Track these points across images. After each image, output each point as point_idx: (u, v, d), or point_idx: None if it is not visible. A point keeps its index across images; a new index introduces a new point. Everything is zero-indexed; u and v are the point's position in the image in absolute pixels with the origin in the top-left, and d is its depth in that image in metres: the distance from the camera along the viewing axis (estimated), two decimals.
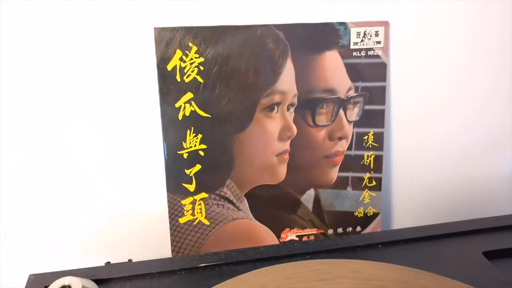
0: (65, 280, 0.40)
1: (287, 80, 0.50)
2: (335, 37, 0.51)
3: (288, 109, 0.51)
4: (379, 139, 0.54)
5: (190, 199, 0.50)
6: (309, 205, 0.54)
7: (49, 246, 0.52)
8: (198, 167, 0.50)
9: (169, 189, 0.50)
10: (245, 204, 0.52)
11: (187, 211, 0.50)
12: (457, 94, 0.57)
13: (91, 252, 0.52)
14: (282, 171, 0.52)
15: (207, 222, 0.51)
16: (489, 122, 0.59)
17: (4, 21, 0.45)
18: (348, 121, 0.53)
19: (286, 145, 0.52)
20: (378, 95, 0.53)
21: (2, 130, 0.48)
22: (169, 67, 0.47)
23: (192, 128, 0.49)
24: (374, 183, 0.55)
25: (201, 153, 0.49)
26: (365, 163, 0.54)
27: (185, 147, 0.49)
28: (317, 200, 0.54)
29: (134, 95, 0.49)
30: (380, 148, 0.54)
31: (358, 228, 0.56)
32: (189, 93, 0.48)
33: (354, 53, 0.51)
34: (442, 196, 0.62)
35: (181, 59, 0.47)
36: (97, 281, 0.42)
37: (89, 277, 0.42)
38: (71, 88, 0.48)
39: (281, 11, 0.49)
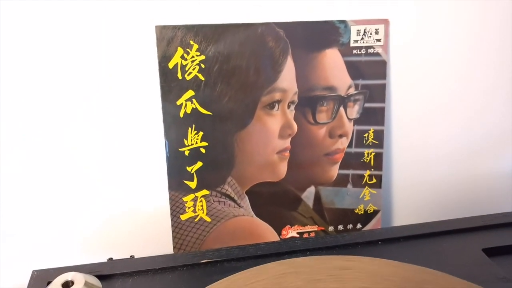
0: (68, 276, 0.40)
1: (287, 78, 0.50)
2: (335, 35, 0.51)
3: (288, 106, 0.51)
4: (379, 136, 0.54)
5: (192, 196, 0.50)
6: (310, 202, 0.54)
7: (51, 243, 0.52)
8: (199, 164, 0.50)
9: (170, 186, 0.50)
10: (246, 201, 0.52)
11: (189, 208, 0.51)
12: (457, 92, 0.57)
13: (94, 249, 0.52)
14: (282, 169, 0.52)
15: (208, 219, 0.51)
16: (489, 121, 0.60)
17: (4, 21, 0.45)
18: (348, 118, 0.53)
19: (287, 143, 0.52)
20: (378, 93, 0.53)
21: (2, 130, 0.48)
22: (171, 65, 0.47)
23: (194, 125, 0.49)
24: (374, 180, 0.55)
25: (202, 150, 0.50)
26: (365, 160, 0.55)
27: (187, 144, 0.49)
28: (317, 198, 0.54)
29: (136, 93, 0.49)
30: (380, 145, 0.55)
31: (359, 225, 0.56)
32: (190, 91, 0.48)
33: (354, 51, 0.52)
34: (442, 194, 0.62)
35: (182, 57, 0.47)
36: (99, 277, 0.42)
37: (92, 273, 0.42)
38: (71, 87, 0.48)
39: (282, 9, 0.49)
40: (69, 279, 0.40)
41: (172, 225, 0.51)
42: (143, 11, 0.46)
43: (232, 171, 0.51)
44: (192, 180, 0.50)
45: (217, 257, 0.46)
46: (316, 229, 0.55)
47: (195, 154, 0.50)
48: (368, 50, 0.52)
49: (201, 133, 0.49)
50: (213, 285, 0.38)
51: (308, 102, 0.51)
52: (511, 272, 0.45)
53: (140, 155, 0.51)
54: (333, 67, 0.51)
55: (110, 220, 0.53)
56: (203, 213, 0.51)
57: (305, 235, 0.54)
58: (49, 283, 0.41)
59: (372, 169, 0.55)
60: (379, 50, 0.52)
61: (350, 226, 0.56)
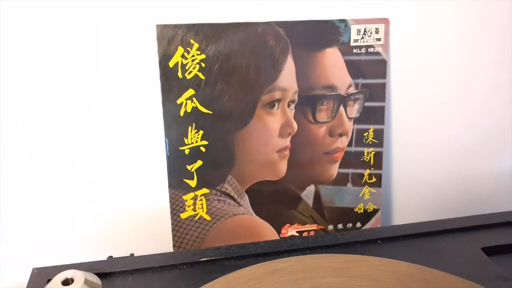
0: (68, 274, 0.40)
1: (287, 77, 0.50)
2: (335, 34, 0.51)
3: (288, 105, 0.51)
4: (379, 135, 0.54)
5: (192, 194, 0.51)
6: (310, 201, 0.54)
7: (52, 242, 0.52)
8: (199, 163, 0.50)
9: (170, 185, 0.50)
10: (246, 200, 0.52)
11: (189, 206, 0.51)
12: (457, 92, 0.57)
13: (94, 247, 0.53)
14: (282, 167, 0.53)
15: (208, 218, 0.52)
16: (488, 120, 0.60)
17: (4, 21, 0.45)
18: (348, 117, 0.53)
19: (287, 142, 0.52)
20: (378, 92, 0.53)
21: (2, 130, 0.48)
22: (171, 64, 0.47)
23: (194, 124, 0.49)
24: (374, 179, 0.55)
25: (203, 149, 0.50)
26: (365, 159, 0.55)
27: (187, 143, 0.50)
28: (317, 196, 0.54)
29: (136, 92, 0.49)
30: (380, 144, 0.55)
31: (358, 224, 0.56)
32: (190, 89, 0.48)
33: (354, 50, 0.52)
34: (442, 193, 0.62)
35: (182, 56, 0.47)
36: (99, 275, 0.42)
37: (92, 271, 0.42)
38: (71, 86, 0.48)
39: (282, 8, 0.49)
40: (69, 277, 0.40)
41: (172, 224, 0.51)
42: (144, 10, 0.47)
43: (232, 169, 0.51)
44: (192, 179, 0.50)
45: (216, 256, 0.47)
46: (315, 228, 0.55)
47: (195, 152, 0.50)
48: (368, 49, 0.52)
49: (201, 132, 0.50)
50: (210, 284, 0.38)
51: (308, 101, 0.51)
52: (509, 271, 0.45)
53: (140, 153, 0.51)
54: (333, 66, 0.52)
55: (110, 218, 0.53)
56: (203, 211, 0.51)
57: (305, 234, 0.54)
58: (49, 280, 0.41)
59: (372, 168, 0.55)
60: (379, 49, 0.52)
61: (350, 225, 0.56)
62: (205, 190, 0.51)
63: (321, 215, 0.55)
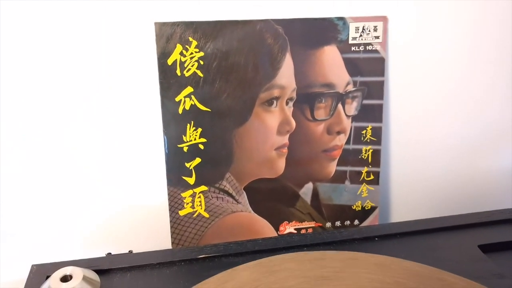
0: (67, 270, 0.40)
1: (286, 75, 0.50)
2: (333, 32, 0.51)
3: (287, 103, 0.51)
4: (377, 133, 0.55)
5: (190, 192, 0.51)
6: (308, 199, 0.54)
7: (51, 239, 0.53)
8: (198, 160, 0.50)
9: (169, 182, 0.50)
10: (244, 197, 0.52)
11: (187, 203, 0.51)
12: (455, 89, 0.58)
13: (93, 245, 0.53)
14: (281, 165, 0.53)
15: (206, 215, 0.52)
16: (487, 118, 0.60)
17: (4, 21, 0.45)
18: (346, 115, 0.53)
19: (285, 139, 0.52)
20: (377, 90, 0.53)
21: (2, 130, 0.48)
22: (170, 61, 0.47)
23: (192, 122, 0.49)
24: (372, 177, 0.56)
25: (201, 146, 0.50)
26: (363, 157, 0.55)
27: (185, 140, 0.50)
28: (315, 194, 0.55)
29: (135, 90, 0.50)
30: (378, 142, 0.55)
31: (356, 222, 0.56)
32: (189, 87, 0.48)
33: (353, 48, 0.52)
34: (440, 191, 0.62)
35: (181, 53, 0.47)
36: (98, 272, 0.43)
37: (90, 268, 0.43)
38: (70, 85, 0.48)
39: (280, 6, 0.49)
40: (68, 274, 0.40)
41: (170, 221, 0.51)
42: (142, 8, 0.47)
43: (230, 167, 0.51)
44: (191, 176, 0.50)
45: (214, 252, 0.47)
46: (313, 225, 0.55)
47: (194, 150, 0.50)
48: (367, 47, 0.52)
49: (199, 130, 0.50)
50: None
51: (307, 98, 0.52)
52: (506, 269, 0.45)
53: (139, 151, 0.52)
54: (331, 64, 0.52)
55: (109, 216, 0.53)
56: (201, 208, 0.51)
57: (303, 231, 0.55)
58: (48, 277, 0.41)
59: (370, 166, 0.55)
60: (378, 47, 0.52)
61: (348, 222, 0.56)
62: (203, 188, 0.51)
63: (319, 212, 0.55)
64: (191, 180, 0.51)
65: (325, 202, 0.55)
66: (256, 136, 0.51)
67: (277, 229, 0.54)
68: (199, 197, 0.51)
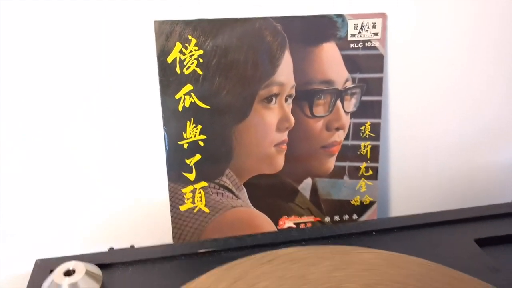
0: (70, 265, 0.41)
1: (285, 72, 0.51)
2: (332, 29, 0.51)
3: (286, 100, 0.52)
4: (376, 129, 0.55)
5: (191, 187, 0.51)
6: (307, 194, 0.55)
7: (54, 236, 0.53)
8: (198, 157, 0.51)
9: (170, 178, 0.51)
10: (244, 193, 0.53)
11: (188, 199, 0.52)
12: (454, 86, 0.58)
13: (96, 240, 0.53)
14: (280, 161, 0.53)
15: (207, 210, 0.53)
16: (486, 115, 0.60)
17: (4, 21, 0.45)
18: (345, 112, 0.54)
19: (284, 136, 0.53)
20: (375, 86, 0.54)
21: (2, 130, 0.49)
22: (169, 59, 0.48)
23: (192, 119, 0.50)
24: (370, 172, 0.56)
25: (201, 143, 0.51)
26: (362, 153, 0.55)
27: (185, 137, 0.50)
28: (314, 189, 0.55)
29: (135, 88, 0.50)
30: (377, 138, 0.55)
31: (355, 216, 0.57)
32: (188, 85, 0.49)
33: (352, 45, 0.52)
34: (439, 186, 0.63)
35: (180, 51, 0.48)
36: (100, 266, 0.44)
37: (93, 262, 0.44)
38: (70, 84, 0.49)
39: (279, 4, 0.50)
40: (71, 268, 0.41)
41: (171, 216, 0.52)
42: (142, 6, 0.47)
43: (230, 163, 0.52)
44: (191, 172, 0.51)
45: (214, 247, 0.48)
46: (312, 220, 0.56)
47: (194, 147, 0.51)
48: (366, 44, 0.52)
49: (199, 127, 0.50)
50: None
51: (306, 95, 0.52)
52: (501, 263, 0.46)
53: (140, 149, 0.52)
54: (330, 61, 0.52)
55: (111, 211, 0.54)
56: (201, 204, 0.52)
57: (302, 226, 0.55)
58: (51, 271, 0.42)
59: (369, 161, 0.56)
60: (377, 44, 0.53)
61: (346, 216, 0.57)
62: (203, 184, 0.52)
63: (317, 207, 0.56)
64: (191, 176, 0.51)
65: (324, 197, 0.56)
66: (256, 132, 0.52)
67: (276, 224, 0.55)
68: (200, 192, 0.52)
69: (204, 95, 0.49)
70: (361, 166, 0.56)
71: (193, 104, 0.49)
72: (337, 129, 0.54)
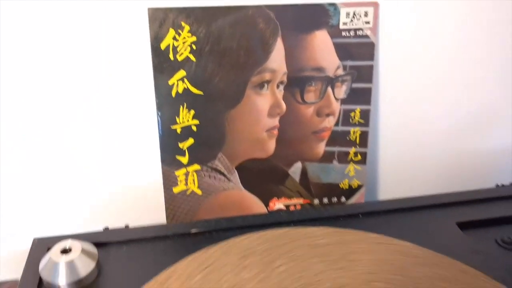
0: (67, 243, 0.43)
1: (277, 59, 0.52)
2: (325, 17, 0.52)
3: (278, 87, 0.53)
4: (366, 115, 0.56)
5: (184, 170, 0.53)
6: (297, 177, 0.57)
7: (52, 216, 0.55)
8: (191, 141, 0.52)
9: (163, 161, 0.52)
10: (236, 176, 0.55)
11: (181, 181, 0.53)
12: (445, 72, 0.59)
13: (93, 220, 0.55)
14: (271, 146, 0.55)
15: (199, 192, 0.54)
16: (476, 100, 0.61)
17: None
18: (336, 98, 0.55)
19: (276, 121, 0.54)
20: (366, 74, 0.55)
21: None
22: (163, 46, 0.49)
23: (185, 104, 0.51)
24: (359, 157, 0.58)
25: (194, 128, 0.52)
26: (351, 138, 0.57)
27: (179, 122, 0.51)
28: (304, 173, 0.57)
29: (129, 74, 0.51)
30: (366, 124, 0.57)
31: (343, 199, 0.59)
32: (182, 71, 0.50)
33: (344, 33, 0.53)
34: (428, 170, 0.64)
35: (174, 38, 0.49)
36: (96, 245, 0.45)
37: (89, 241, 0.45)
38: (66, 73, 0.49)
39: None
40: (68, 246, 0.43)
41: (165, 198, 0.53)
42: None
43: (222, 148, 0.53)
44: (184, 156, 0.52)
45: (206, 228, 0.50)
46: (302, 202, 0.57)
47: (187, 131, 0.52)
48: (357, 32, 0.53)
49: (192, 112, 0.51)
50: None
51: (297, 82, 0.53)
52: (481, 245, 0.48)
53: (134, 133, 0.53)
54: (322, 48, 0.53)
55: (108, 193, 0.55)
56: (194, 186, 0.54)
57: (292, 208, 0.57)
58: (49, 249, 0.44)
59: (358, 147, 0.57)
60: (368, 32, 0.54)
61: (335, 199, 0.58)
62: (196, 167, 0.53)
63: (307, 190, 0.57)
64: (184, 160, 0.53)
65: (314, 180, 0.57)
66: (248, 118, 0.53)
67: (267, 206, 0.57)
68: (192, 175, 0.53)
69: (197, 81, 0.50)
70: (350, 151, 0.57)
71: (186, 90, 0.50)
72: (328, 115, 0.55)
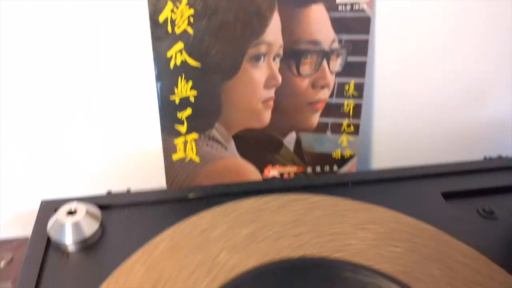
0: (72, 205, 0.45)
1: (273, 32, 0.53)
2: None
3: (274, 59, 0.54)
4: (360, 88, 0.58)
5: (182, 139, 0.55)
6: (291, 147, 0.59)
7: (59, 180, 0.57)
8: (189, 111, 0.54)
9: (163, 130, 0.54)
10: (232, 145, 0.57)
11: (180, 149, 0.55)
12: (440, 48, 0.59)
13: (97, 185, 0.57)
14: (267, 116, 0.56)
15: (197, 160, 0.56)
16: (472, 73, 0.62)
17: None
18: (330, 71, 0.56)
19: (271, 93, 0.55)
20: (361, 48, 0.56)
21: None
22: (161, 19, 0.50)
23: (183, 75, 0.52)
24: (352, 128, 0.59)
25: (192, 99, 0.54)
26: (344, 110, 0.58)
27: (177, 93, 0.53)
28: (298, 142, 0.59)
29: (129, 46, 0.52)
30: (360, 96, 0.58)
31: (335, 168, 0.61)
32: (180, 42, 0.51)
33: (340, 7, 0.53)
34: (420, 141, 0.66)
35: (172, 10, 0.50)
36: (99, 207, 0.48)
37: (93, 204, 0.48)
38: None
39: None
40: (73, 208, 0.45)
41: (165, 164, 0.56)
42: None
43: (219, 118, 0.55)
44: (183, 125, 0.54)
45: (203, 193, 0.52)
46: (295, 170, 0.60)
47: (185, 102, 0.53)
48: (354, 6, 0.54)
49: (190, 83, 0.53)
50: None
51: (293, 55, 0.54)
52: (462, 213, 0.50)
53: (135, 102, 0.55)
54: (318, 22, 0.54)
55: (111, 159, 0.57)
56: (193, 154, 0.56)
57: (286, 175, 0.60)
58: (55, 210, 0.47)
59: (351, 118, 0.59)
60: (364, 6, 0.54)
61: (327, 168, 0.61)
62: (194, 135, 0.55)
63: (301, 159, 0.59)
64: (183, 129, 0.55)
65: (307, 150, 0.59)
66: (244, 89, 0.54)
67: (262, 173, 0.59)
68: (191, 143, 0.55)
69: (194, 53, 0.52)
70: (344, 123, 0.59)
71: (184, 62, 0.52)
72: (322, 87, 0.57)
